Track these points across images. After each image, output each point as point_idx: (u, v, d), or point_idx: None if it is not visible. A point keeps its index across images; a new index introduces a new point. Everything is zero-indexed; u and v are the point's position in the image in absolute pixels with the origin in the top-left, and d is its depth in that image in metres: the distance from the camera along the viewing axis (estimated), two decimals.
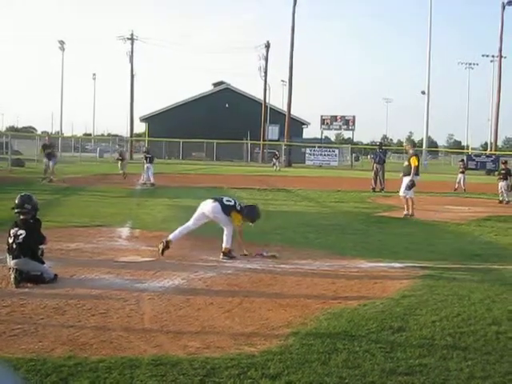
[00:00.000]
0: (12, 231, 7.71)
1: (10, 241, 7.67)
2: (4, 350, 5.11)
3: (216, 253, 9.85)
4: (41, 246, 7.84)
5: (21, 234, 7.61)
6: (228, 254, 9.63)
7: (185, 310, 6.58)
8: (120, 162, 31.12)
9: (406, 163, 16.84)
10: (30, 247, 7.64)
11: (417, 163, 16.48)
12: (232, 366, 4.79)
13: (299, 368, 4.82)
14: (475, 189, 27.90)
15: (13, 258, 7.56)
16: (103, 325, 5.95)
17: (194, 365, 4.80)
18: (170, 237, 9.66)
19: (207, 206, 9.86)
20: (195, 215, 9.95)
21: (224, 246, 9.67)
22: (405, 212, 16.31)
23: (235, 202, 9.88)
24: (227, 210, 9.73)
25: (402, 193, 16.62)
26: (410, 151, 17.23)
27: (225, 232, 9.73)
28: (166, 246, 9.52)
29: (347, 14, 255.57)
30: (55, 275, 7.74)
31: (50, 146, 27.42)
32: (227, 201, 9.86)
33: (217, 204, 9.78)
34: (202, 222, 10.01)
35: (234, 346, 5.37)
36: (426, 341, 5.59)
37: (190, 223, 9.93)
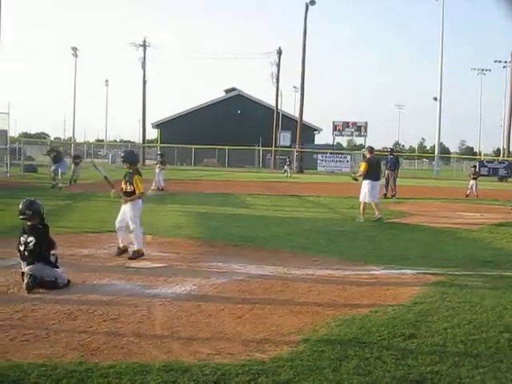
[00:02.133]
0: (22, 238, 7.75)
1: (21, 248, 7.70)
2: (15, 354, 5.12)
3: (228, 259, 9.90)
4: (53, 252, 7.86)
5: (31, 241, 7.65)
6: (139, 254, 9.77)
7: (196, 316, 6.58)
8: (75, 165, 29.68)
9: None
10: (41, 253, 7.67)
11: (365, 168, 17.01)
12: (243, 373, 4.79)
13: (310, 375, 4.81)
14: (487, 195, 27.76)
15: (27, 265, 7.59)
16: (114, 330, 5.96)
17: (204, 371, 4.80)
18: (122, 244, 9.92)
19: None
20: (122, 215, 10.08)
21: (137, 247, 9.83)
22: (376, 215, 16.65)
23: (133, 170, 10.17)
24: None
25: (361, 198, 16.99)
26: (367, 156, 17.64)
27: (135, 232, 9.89)
28: (124, 251, 9.87)
29: (359, 19, 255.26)
30: (68, 281, 7.77)
31: (53, 150, 27.36)
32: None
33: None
34: None
35: (244, 353, 5.36)
36: (438, 348, 5.56)
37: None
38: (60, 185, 25.08)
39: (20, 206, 7.94)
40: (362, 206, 16.80)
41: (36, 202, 8.10)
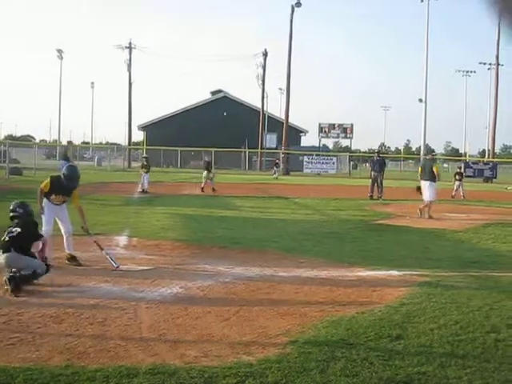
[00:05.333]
0: (7, 231, 7.93)
1: (4, 236, 7.79)
2: (1, 358, 5.08)
3: (214, 261, 9.89)
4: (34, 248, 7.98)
5: (16, 230, 7.76)
6: (76, 260, 9.52)
7: (182, 318, 6.56)
8: (207, 172, 28.60)
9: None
10: (22, 243, 7.71)
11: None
12: (230, 375, 4.77)
13: (297, 376, 4.81)
14: (473, 196, 27.92)
15: (3, 252, 7.60)
16: (101, 334, 5.93)
17: (191, 374, 4.78)
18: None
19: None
20: (49, 219, 9.53)
21: (71, 251, 9.58)
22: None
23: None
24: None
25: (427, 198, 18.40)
26: (429, 157, 20.46)
27: (70, 234, 9.63)
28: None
29: (345, 21, 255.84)
30: (47, 266, 7.79)
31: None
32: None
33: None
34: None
35: (231, 355, 5.35)
36: (425, 349, 5.57)
37: (49, 228, 9.52)
38: None
39: (11, 206, 8.36)
40: (426, 205, 18.22)
41: (26, 204, 8.32)
